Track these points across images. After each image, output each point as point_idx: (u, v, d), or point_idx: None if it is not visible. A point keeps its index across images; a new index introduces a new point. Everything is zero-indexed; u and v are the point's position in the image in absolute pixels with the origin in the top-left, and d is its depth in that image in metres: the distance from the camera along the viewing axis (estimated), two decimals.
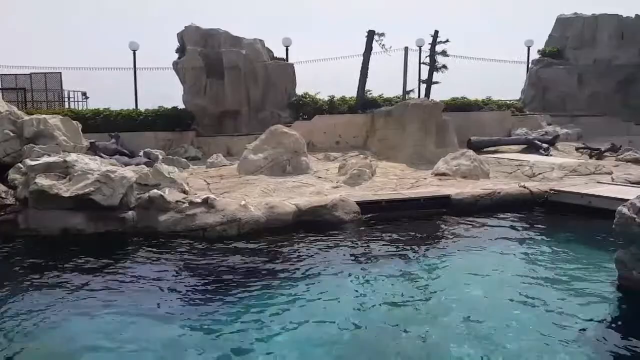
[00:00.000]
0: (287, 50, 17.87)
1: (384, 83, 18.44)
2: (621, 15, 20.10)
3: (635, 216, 5.53)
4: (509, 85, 22.56)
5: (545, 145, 15.97)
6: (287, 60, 17.53)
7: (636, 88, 20.27)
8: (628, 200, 5.93)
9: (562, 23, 20.98)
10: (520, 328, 5.18)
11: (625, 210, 5.72)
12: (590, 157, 15.39)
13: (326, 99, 17.00)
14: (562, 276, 6.64)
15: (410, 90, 17.99)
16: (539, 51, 21.27)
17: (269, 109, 16.46)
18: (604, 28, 19.95)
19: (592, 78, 19.94)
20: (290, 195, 10.22)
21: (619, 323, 5.41)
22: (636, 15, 20.14)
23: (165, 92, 17.41)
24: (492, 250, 7.87)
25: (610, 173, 12.53)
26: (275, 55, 17.37)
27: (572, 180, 11.82)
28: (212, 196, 8.88)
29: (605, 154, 15.46)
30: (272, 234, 8.45)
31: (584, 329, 5.14)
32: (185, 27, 16.45)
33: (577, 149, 16.31)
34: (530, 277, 6.58)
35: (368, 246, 8.03)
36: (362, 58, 16.73)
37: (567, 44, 20.66)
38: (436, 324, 5.29)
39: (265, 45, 16.98)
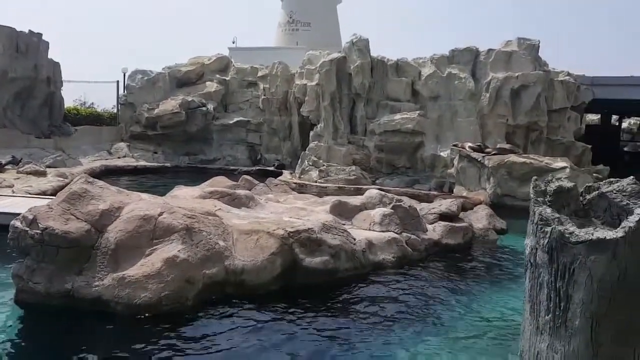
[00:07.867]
0: None
1: None
2: (15, 29, 20.01)
3: (27, 229, 5.63)
4: None
5: None
6: None
7: (34, 101, 20.81)
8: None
9: None
10: None
11: (18, 223, 5.75)
12: None
13: None
14: None
15: None
16: None
17: None
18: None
19: None
20: None
21: (22, 337, 5.41)
22: (30, 30, 20.60)
23: None
24: None
25: (12, 186, 12.41)
26: None
27: None
28: None
29: (7, 167, 15.18)
30: None
31: None
32: None
33: None
34: None
35: None
36: None
37: None
38: None
39: None
